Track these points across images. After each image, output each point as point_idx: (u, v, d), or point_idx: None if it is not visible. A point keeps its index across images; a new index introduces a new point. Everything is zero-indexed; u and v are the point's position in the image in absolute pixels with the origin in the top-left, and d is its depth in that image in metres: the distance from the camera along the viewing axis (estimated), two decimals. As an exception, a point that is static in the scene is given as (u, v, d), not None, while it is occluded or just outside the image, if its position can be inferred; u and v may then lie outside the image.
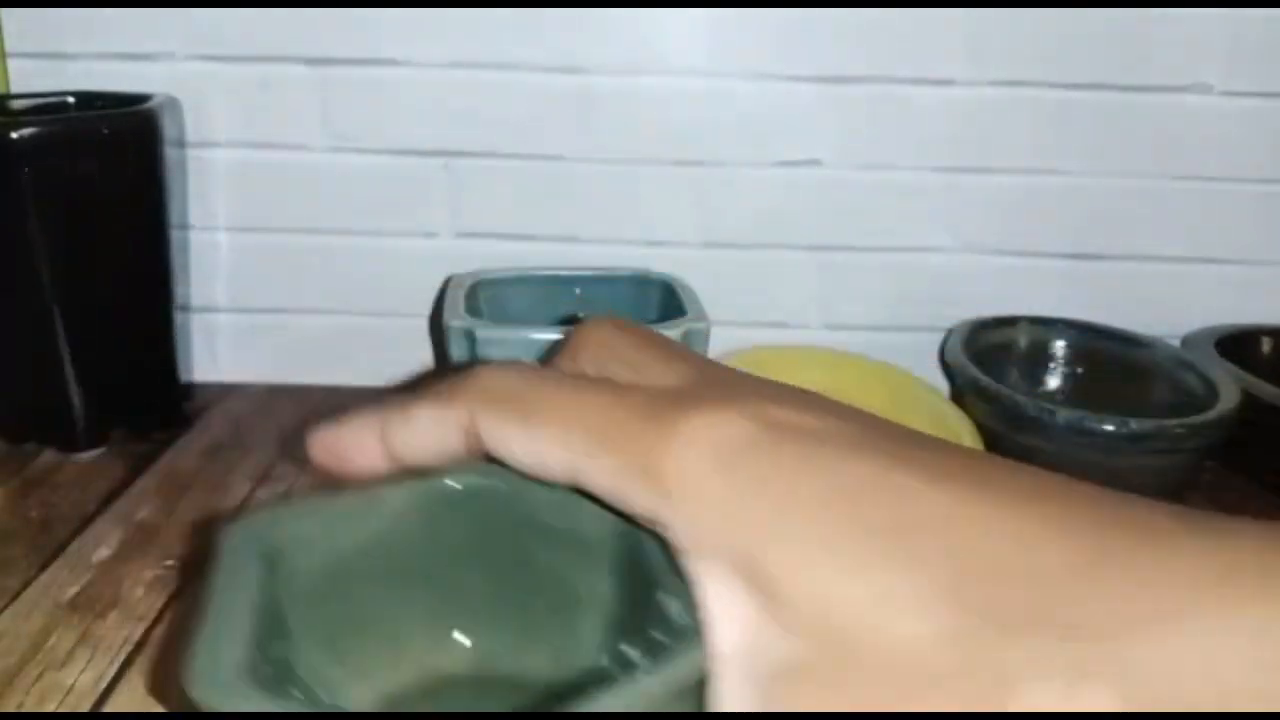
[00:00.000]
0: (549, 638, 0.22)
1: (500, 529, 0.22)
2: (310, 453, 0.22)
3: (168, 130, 0.46)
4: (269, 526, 0.21)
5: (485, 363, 0.22)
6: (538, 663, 0.22)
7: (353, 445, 0.22)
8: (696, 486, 0.18)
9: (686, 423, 0.18)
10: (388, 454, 0.22)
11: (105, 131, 0.44)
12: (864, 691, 0.15)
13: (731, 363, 0.50)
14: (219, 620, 0.18)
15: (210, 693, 0.16)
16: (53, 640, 0.34)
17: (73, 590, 0.37)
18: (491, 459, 0.21)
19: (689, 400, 0.19)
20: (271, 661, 0.18)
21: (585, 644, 0.22)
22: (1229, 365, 0.49)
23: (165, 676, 0.32)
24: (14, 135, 0.41)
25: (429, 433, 0.21)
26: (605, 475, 0.19)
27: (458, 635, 0.23)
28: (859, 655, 0.15)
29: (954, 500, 0.16)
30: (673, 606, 0.18)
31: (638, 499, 0.18)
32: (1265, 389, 0.47)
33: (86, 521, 0.41)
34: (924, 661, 0.15)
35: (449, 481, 0.22)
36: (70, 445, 0.47)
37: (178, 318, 0.50)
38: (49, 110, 0.50)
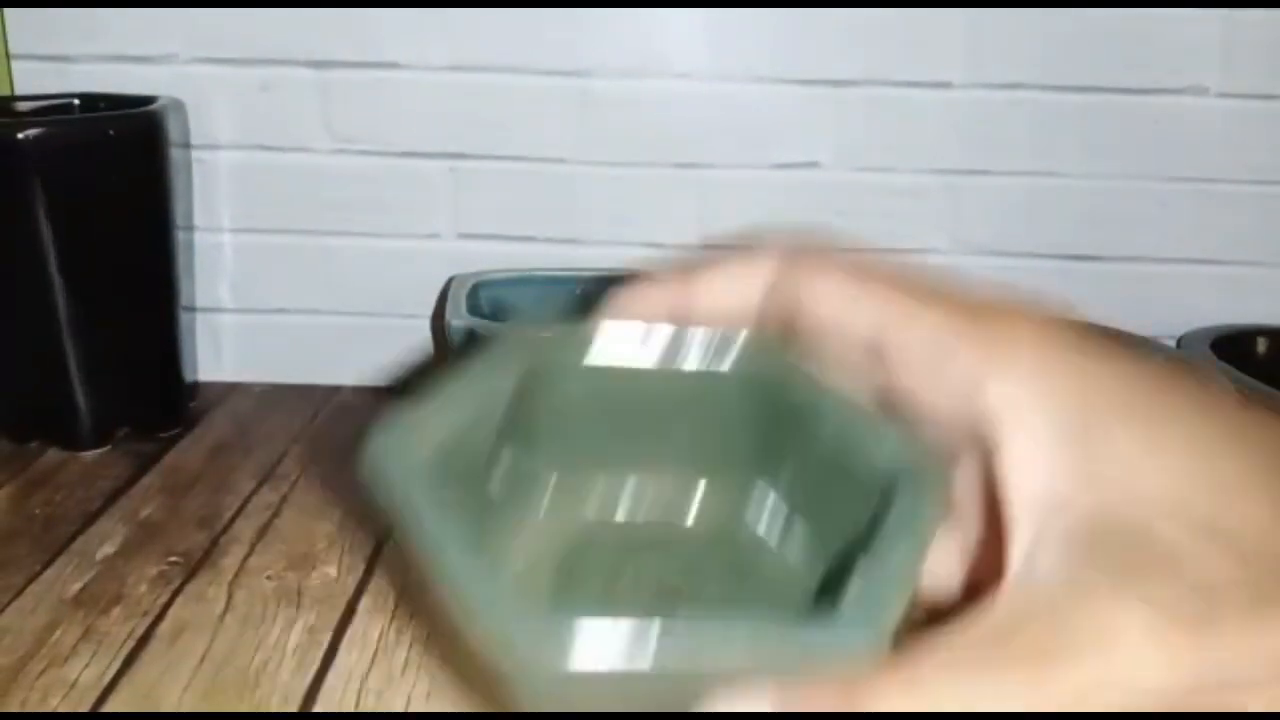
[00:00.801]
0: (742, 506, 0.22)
1: (766, 429, 0.22)
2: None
3: (172, 132, 0.47)
4: (541, 346, 0.21)
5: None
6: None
7: (645, 299, 0.22)
8: (1026, 355, 0.17)
9: (1016, 309, 0.19)
10: (679, 307, 0.22)
11: (110, 133, 0.44)
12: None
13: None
14: (440, 404, 0.18)
15: (385, 467, 0.16)
16: (57, 636, 0.34)
17: (76, 587, 0.37)
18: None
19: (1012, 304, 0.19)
20: (499, 460, 0.19)
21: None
22: (1225, 366, 0.49)
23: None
24: (20, 137, 0.41)
25: (733, 281, 0.22)
26: (923, 332, 0.18)
27: (661, 489, 0.23)
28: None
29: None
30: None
31: (955, 359, 0.18)
32: (1261, 389, 0.47)
33: (90, 519, 0.42)
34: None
35: (733, 368, 0.22)
36: (75, 444, 0.47)
37: (182, 317, 0.50)
38: (54, 112, 0.50)
